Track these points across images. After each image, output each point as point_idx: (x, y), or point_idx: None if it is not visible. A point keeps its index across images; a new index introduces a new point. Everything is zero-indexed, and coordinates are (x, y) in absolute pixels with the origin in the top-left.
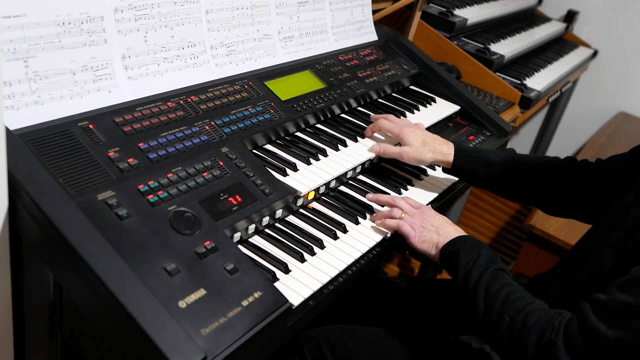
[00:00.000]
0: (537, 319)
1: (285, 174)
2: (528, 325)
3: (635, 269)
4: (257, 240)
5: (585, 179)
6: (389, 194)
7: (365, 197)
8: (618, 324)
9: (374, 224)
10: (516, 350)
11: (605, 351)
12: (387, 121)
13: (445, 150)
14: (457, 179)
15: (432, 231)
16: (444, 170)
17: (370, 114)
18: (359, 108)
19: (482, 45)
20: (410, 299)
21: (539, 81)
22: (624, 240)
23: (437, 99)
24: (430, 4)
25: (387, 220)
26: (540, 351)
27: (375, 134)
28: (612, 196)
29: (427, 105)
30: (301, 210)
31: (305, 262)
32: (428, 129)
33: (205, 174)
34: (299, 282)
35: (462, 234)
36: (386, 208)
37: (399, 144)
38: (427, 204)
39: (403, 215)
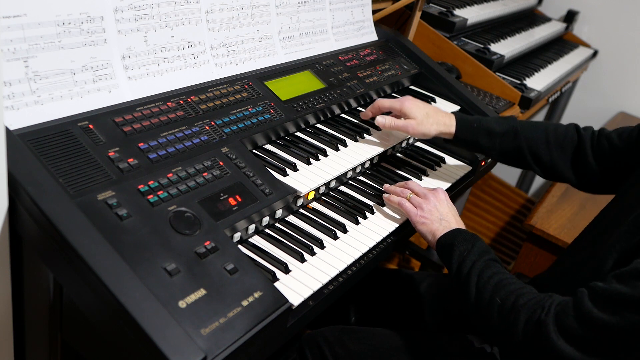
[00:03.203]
0: (527, 300)
1: (285, 174)
2: (518, 306)
3: (636, 261)
4: (257, 240)
5: (587, 154)
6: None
7: (365, 197)
8: (612, 313)
9: (373, 224)
10: (506, 330)
11: (598, 334)
12: (386, 99)
13: (448, 121)
14: (456, 178)
15: (435, 217)
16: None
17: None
18: (359, 108)
19: (482, 45)
20: (419, 291)
21: (539, 81)
22: (627, 237)
23: (437, 99)
24: (430, 4)
25: (392, 196)
26: (530, 330)
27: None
28: (611, 169)
29: None
30: (301, 210)
31: (305, 262)
32: None
33: (205, 174)
34: (299, 282)
35: (460, 227)
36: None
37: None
38: None
39: (411, 195)
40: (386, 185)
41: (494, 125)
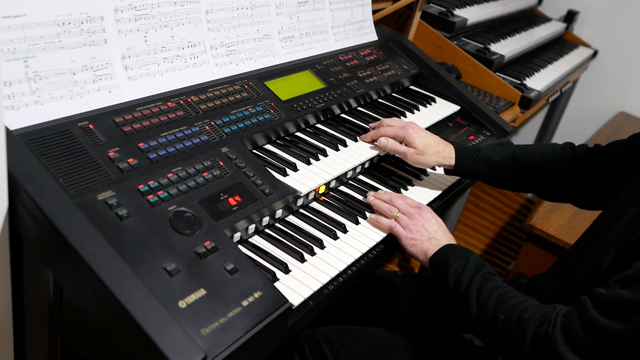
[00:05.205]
0: (532, 314)
1: (285, 174)
2: (524, 321)
3: (636, 264)
4: (257, 240)
5: (584, 172)
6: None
7: (365, 197)
8: (618, 319)
9: (374, 224)
10: (513, 347)
11: (607, 342)
12: (390, 128)
13: (447, 154)
14: (457, 178)
15: (425, 236)
16: (446, 171)
17: (370, 114)
18: (359, 108)
19: (482, 45)
20: (412, 295)
21: (539, 81)
22: (624, 235)
23: (437, 99)
24: (430, 4)
25: (381, 218)
26: (538, 345)
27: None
28: (609, 185)
29: (427, 105)
30: (301, 210)
31: (305, 262)
32: (428, 129)
33: (205, 174)
34: (299, 282)
35: (450, 243)
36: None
37: None
38: (427, 204)
39: (398, 215)
40: (370, 199)
41: (492, 153)
